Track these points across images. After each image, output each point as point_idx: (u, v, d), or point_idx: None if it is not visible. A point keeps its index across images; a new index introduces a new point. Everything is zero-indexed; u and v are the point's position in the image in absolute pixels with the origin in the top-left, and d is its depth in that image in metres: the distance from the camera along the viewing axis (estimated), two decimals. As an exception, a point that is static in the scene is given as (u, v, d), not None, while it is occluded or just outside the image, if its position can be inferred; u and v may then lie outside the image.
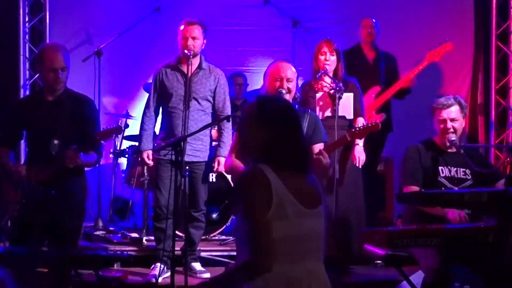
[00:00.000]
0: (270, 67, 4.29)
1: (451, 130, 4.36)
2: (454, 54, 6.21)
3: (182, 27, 5.18)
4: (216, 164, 5.25)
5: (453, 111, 4.37)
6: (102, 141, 4.22)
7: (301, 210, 2.56)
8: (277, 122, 2.65)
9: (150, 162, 5.33)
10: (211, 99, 5.26)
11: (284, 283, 2.52)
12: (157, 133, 5.50)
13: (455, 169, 4.36)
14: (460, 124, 4.41)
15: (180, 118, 5.14)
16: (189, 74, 5.13)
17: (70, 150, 4.05)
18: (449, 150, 4.41)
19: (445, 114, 4.36)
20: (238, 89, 6.98)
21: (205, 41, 5.23)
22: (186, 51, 5.09)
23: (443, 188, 4.27)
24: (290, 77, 4.23)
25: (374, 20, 6.27)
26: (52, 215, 4.16)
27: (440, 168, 4.32)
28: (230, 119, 5.14)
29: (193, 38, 5.14)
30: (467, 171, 4.36)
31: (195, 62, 5.19)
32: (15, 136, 4.44)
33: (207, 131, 5.24)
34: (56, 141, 4.17)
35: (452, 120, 4.36)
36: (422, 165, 4.33)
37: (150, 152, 5.29)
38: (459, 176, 4.34)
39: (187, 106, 5.08)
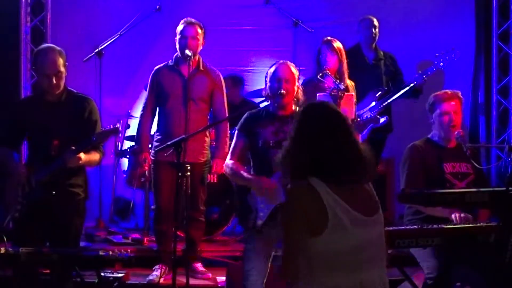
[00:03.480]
0: (271, 70, 4.26)
1: (455, 122, 4.33)
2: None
3: (181, 27, 5.19)
4: (214, 165, 5.25)
5: (455, 104, 4.35)
6: (99, 143, 4.21)
7: (358, 219, 2.52)
8: (324, 133, 2.59)
9: (146, 165, 5.35)
10: (208, 100, 5.27)
11: None
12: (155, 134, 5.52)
13: (457, 164, 4.35)
14: (460, 118, 4.40)
15: (177, 119, 5.14)
16: (193, 74, 5.16)
17: (69, 151, 4.04)
18: (449, 146, 4.40)
19: (448, 107, 4.32)
20: (236, 89, 6.91)
21: (203, 42, 5.24)
22: (187, 51, 5.10)
23: (448, 185, 4.26)
24: (289, 78, 4.20)
25: (376, 19, 6.25)
26: (53, 215, 4.16)
27: (444, 165, 4.31)
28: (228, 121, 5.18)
29: (193, 38, 5.14)
30: (468, 165, 4.35)
31: (193, 63, 5.20)
32: (17, 137, 4.42)
33: (205, 131, 5.24)
34: (56, 142, 4.16)
35: (455, 112, 4.34)
36: (424, 165, 4.29)
37: (147, 155, 5.30)
38: (462, 170, 4.33)
39: (185, 106, 5.09)
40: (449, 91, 4.45)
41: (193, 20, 5.24)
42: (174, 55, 5.29)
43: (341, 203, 2.50)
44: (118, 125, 4.18)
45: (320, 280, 2.51)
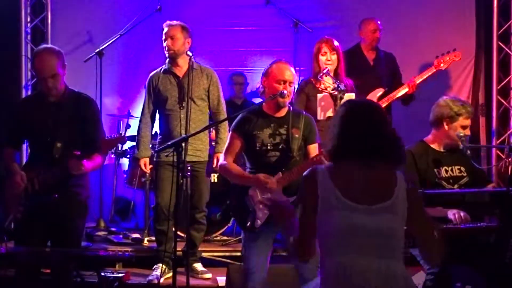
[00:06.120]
0: (272, 68, 4.24)
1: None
2: (456, 54, 6.21)
3: (164, 31, 5.27)
4: (215, 161, 5.28)
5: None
6: (106, 150, 4.22)
7: (347, 205, 2.62)
8: (344, 121, 2.76)
9: (147, 170, 5.38)
10: (206, 98, 5.30)
11: (336, 273, 2.61)
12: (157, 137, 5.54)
13: (450, 167, 4.33)
14: None
15: (178, 120, 5.20)
16: (188, 73, 5.20)
17: (74, 158, 4.03)
18: (442, 150, 4.39)
19: (468, 121, 4.33)
20: (238, 88, 6.95)
21: (189, 41, 5.30)
22: (188, 52, 5.17)
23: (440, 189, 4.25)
24: (293, 80, 4.23)
25: (379, 21, 6.24)
26: (55, 216, 4.15)
27: (435, 170, 4.29)
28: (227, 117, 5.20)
29: (172, 38, 5.23)
30: (462, 168, 4.34)
31: (184, 63, 5.25)
32: (19, 137, 4.43)
33: (206, 130, 5.26)
34: (59, 144, 4.14)
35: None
36: (418, 170, 4.28)
37: (147, 160, 5.34)
38: (455, 174, 4.32)
39: (183, 106, 5.13)
40: (467, 103, 4.45)
41: (173, 22, 5.32)
42: (167, 59, 5.35)
43: (333, 189, 2.64)
44: (123, 133, 4.17)
45: (328, 258, 2.65)
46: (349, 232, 2.60)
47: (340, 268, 2.59)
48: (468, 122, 4.32)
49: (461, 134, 4.28)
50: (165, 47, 5.27)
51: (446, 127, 4.31)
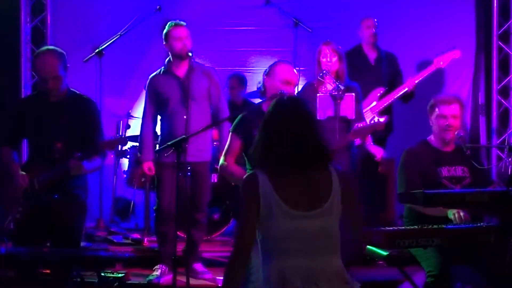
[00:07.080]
0: (276, 68, 4.22)
1: (452, 127, 4.33)
2: (456, 54, 6.21)
3: (171, 30, 5.22)
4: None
5: (454, 108, 4.35)
6: (105, 151, 4.23)
7: (287, 212, 2.66)
8: (275, 123, 2.77)
9: (152, 174, 5.35)
10: (207, 98, 5.28)
11: (279, 276, 2.65)
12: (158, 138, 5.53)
13: (453, 167, 4.34)
14: (459, 122, 4.39)
15: (180, 120, 5.16)
16: (188, 73, 5.18)
17: (74, 159, 4.02)
18: (445, 149, 4.39)
19: (446, 110, 4.32)
20: (231, 92, 6.85)
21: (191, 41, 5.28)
22: (189, 53, 5.15)
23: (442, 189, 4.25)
24: (296, 82, 4.23)
25: (375, 19, 6.27)
26: (55, 216, 4.16)
27: (438, 169, 4.30)
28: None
29: (186, 38, 5.20)
30: (465, 168, 4.34)
31: (185, 63, 5.23)
32: (18, 136, 4.42)
33: (208, 130, 5.25)
34: (59, 145, 4.14)
35: (454, 116, 4.34)
36: (420, 169, 4.28)
37: (151, 164, 5.30)
38: (458, 174, 4.33)
39: (185, 106, 5.11)
40: (450, 95, 4.45)
41: (181, 22, 5.28)
42: (166, 60, 5.31)
43: (274, 195, 2.67)
44: (123, 135, 4.17)
45: (269, 262, 2.69)
46: (290, 237, 2.66)
47: (281, 272, 2.65)
48: (445, 109, 4.32)
49: (461, 134, 4.29)
50: (179, 47, 5.16)
51: (430, 122, 4.37)
